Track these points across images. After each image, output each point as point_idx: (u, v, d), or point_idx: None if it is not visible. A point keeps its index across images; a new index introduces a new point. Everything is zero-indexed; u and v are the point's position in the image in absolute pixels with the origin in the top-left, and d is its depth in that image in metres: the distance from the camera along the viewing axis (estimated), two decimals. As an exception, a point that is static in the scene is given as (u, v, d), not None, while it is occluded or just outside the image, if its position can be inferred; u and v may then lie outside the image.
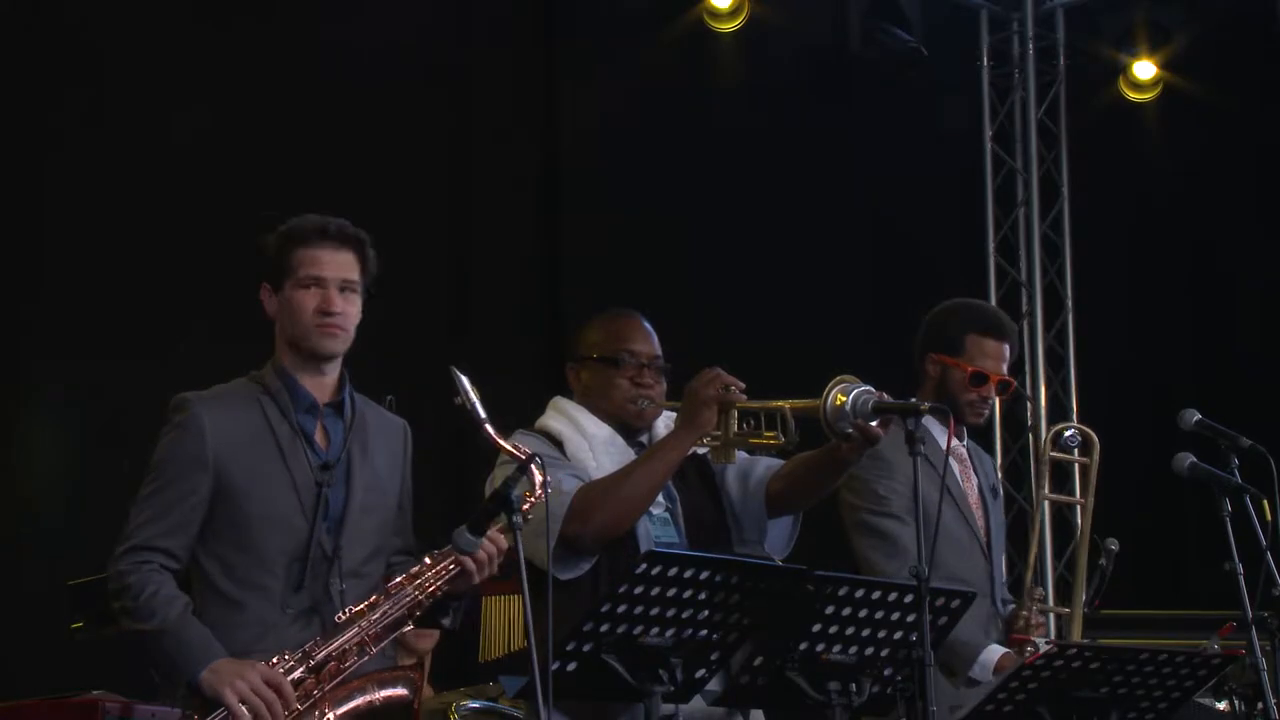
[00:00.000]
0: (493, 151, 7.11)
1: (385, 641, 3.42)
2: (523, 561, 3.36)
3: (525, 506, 3.42)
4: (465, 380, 3.47)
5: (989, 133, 8.57)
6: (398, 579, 3.43)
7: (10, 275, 6.00)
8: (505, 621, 5.60)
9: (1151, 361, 8.04)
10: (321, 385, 3.53)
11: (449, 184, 7.08)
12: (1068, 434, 4.64)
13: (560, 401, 4.04)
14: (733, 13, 7.80)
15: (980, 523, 4.51)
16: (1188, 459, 4.35)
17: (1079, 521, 4.31)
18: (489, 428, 3.47)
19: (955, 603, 3.71)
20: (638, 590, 3.37)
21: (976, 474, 4.57)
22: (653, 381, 3.98)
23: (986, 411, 4.56)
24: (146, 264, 6.05)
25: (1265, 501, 4.25)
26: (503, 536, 3.43)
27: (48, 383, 5.98)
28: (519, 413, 4.01)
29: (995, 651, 4.23)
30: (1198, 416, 4.42)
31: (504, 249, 7.15)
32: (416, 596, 3.41)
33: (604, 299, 4.17)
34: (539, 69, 7.27)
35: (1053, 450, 4.57)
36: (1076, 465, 4.45)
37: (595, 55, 7.42)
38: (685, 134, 7.52)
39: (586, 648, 3.42)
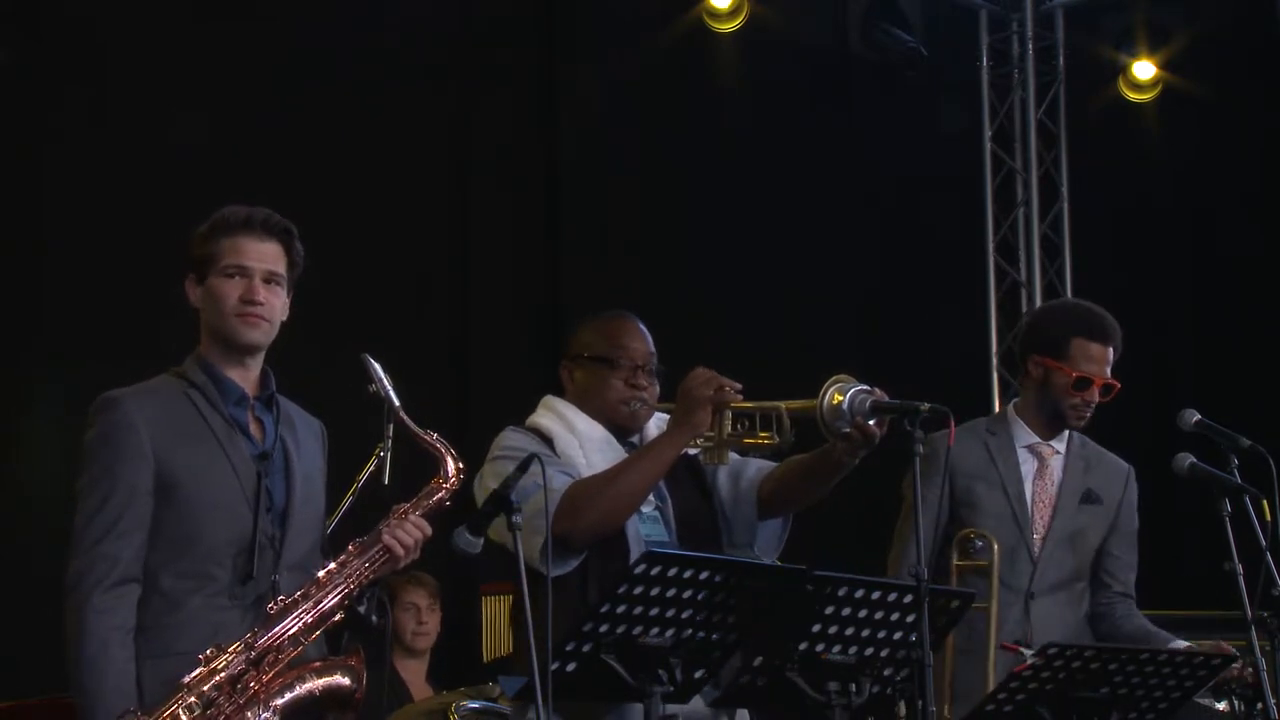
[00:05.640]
0: (492, 153, 7.15)
1: (318, 632, 3.38)
2: (522, 563, 3.37)
3: (440, 495, 3.44)
4: (378, 367, 3.46)
5: (988, 133, 8.57)
6: (328, 567, 3.40)
7: (10, 276, 6.00)
8: (507, 621, 5.61)
9: (1151, 362, 8.01)
10: (246, 378, 3.48)
11: (448, 185, 7.10)
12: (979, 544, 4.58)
13: (552, 400, 4.02)
14: (732, 13, 7.78)
15: (1041, 525, 4.54)
16: (1188, 459, 4.35)
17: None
18: (404, 415, 3.45)
19: (955, 604, 3.72)
20: (636, 590, 3.36)
21: (1065, 475, 4.59)
22: (646, 383, 3.96)
23: (1089, 415, 4.57)
24: (148, 264, 5.91)
25: (1265, 502, 4.27)
26: (426, 523, 3.43)
27: (49, 383, 6.00)
28: (518, 413, 4.01)
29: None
30: (1197, 417, 4.42)
31: (502, 252, 7.21)
32: (348, 584, 3.38)
33: (602, 300, 4.17)
34: (539, 70, 7.30)
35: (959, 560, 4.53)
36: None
37: (595, 55, 7.45)
38: (685, 134, 7.54)
39: (586, 648, 3.40)
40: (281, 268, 3.49)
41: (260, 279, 3.46)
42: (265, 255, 3.48)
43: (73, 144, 6.08)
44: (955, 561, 4.43)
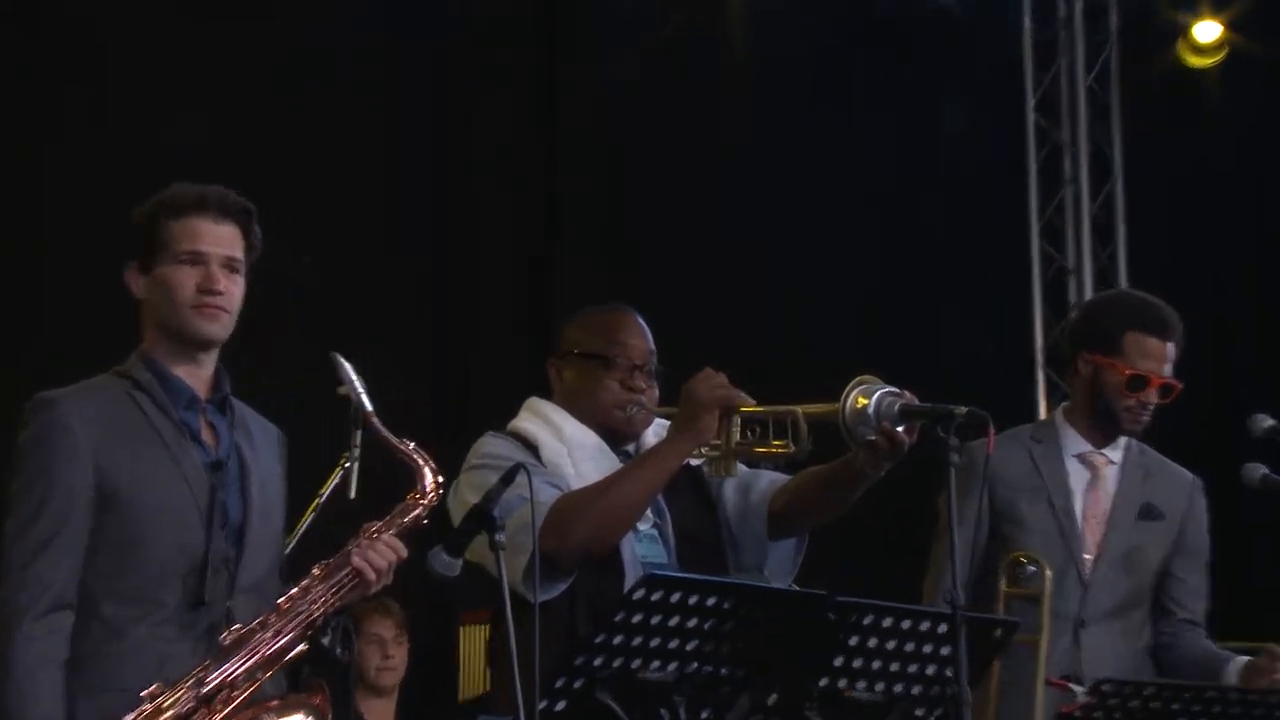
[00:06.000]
0: (492, 153, 7.43)
1: (277, 667, 3.37)
2: (505, 586, 3.37)
3: (416, 512, 3.44)
4: (349, 367, 3.47)
5: (1031, 103, 8.55)
6: (289, 593, 3.39)
7: (10, 276, 6.21)
8: (485, 654, 5.62)
9: (1214, 358, 8.00)
10: (198, 378, 3.47)
11: (449, 182, 7.36)
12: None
13: (537, 402, 4.04)
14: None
15: (1093, 543, 4.56)
16: (1259, 470, 4.39)
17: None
18: (375, 421, 3.46)
19: (997, 633, 3.71)
20: (635, 619, 3.33)
21: (1121, 487, 4.61)
22: (645, 384, 3.98)
23: (1146, 419, 4.56)
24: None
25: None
26: (400, 544, 3.43)
27: (49, 383, 6.01)
28: (510, 420, 4.05)
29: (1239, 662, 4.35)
30: (1269, 421, 4.46)
31: (499, 248, 7.43)
32: (311, 613, 3.37)
33: (599, 299, 4.22)
34: (539, 65, 7.59)
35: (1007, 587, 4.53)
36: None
37: (595, 55, 7.69)
38: (686, 132, 7.74)
39: (578, 684, 3.37)
40: (240, 252, 3.48)
41: (218, 266, 3.44)
42: (223, 239, 3.46)
43: (73, 144, 6.38)
44: (1003, 588, 4.42)
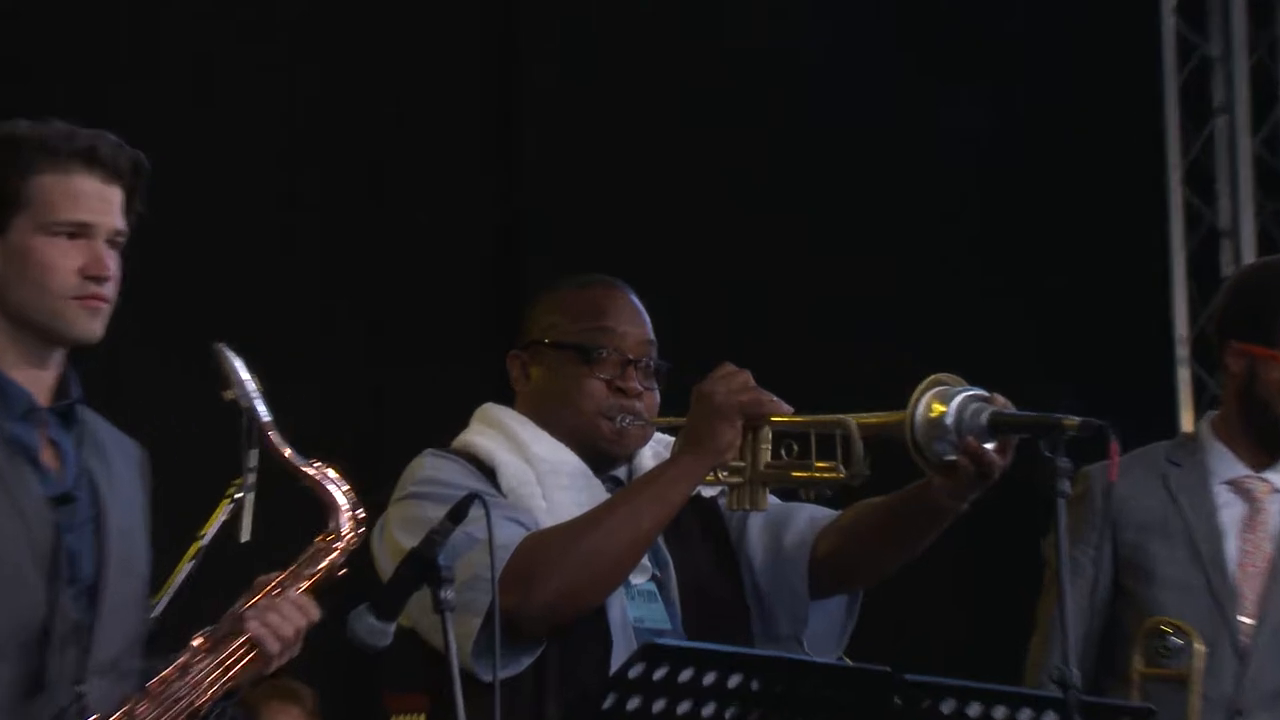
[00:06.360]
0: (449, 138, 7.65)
1: None
2: (454, 660, 3.39)
3: (330, 560, 3.47)
4: (239, 364, 3.50)
5: (1171, 2, 8.53)
6: (162, 672, 3.40)
7: None
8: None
9: None
10: (39, 381, 3.50)
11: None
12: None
13: (494, 410, 4.06)
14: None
15: (1251, 602, 4.59)
16: None
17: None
18: (274, 437, 3.49)
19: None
20: (630, 705, 3.34)
21: None
22: (641, 386, 3.99)
23: None
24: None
25: None
26: (311, 602, 3.45)
27: None
28: (456, 428, 4.10)
29: None
30: None
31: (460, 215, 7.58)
32: (192, 699, 3.38)
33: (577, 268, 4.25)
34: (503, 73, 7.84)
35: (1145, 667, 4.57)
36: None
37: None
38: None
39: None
40: (124, 223, 3.53)
41: (105, 243, 3.49)
42: (112, 206, 3.51)
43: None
44: (1137, 667, 4.45)
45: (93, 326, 3.48)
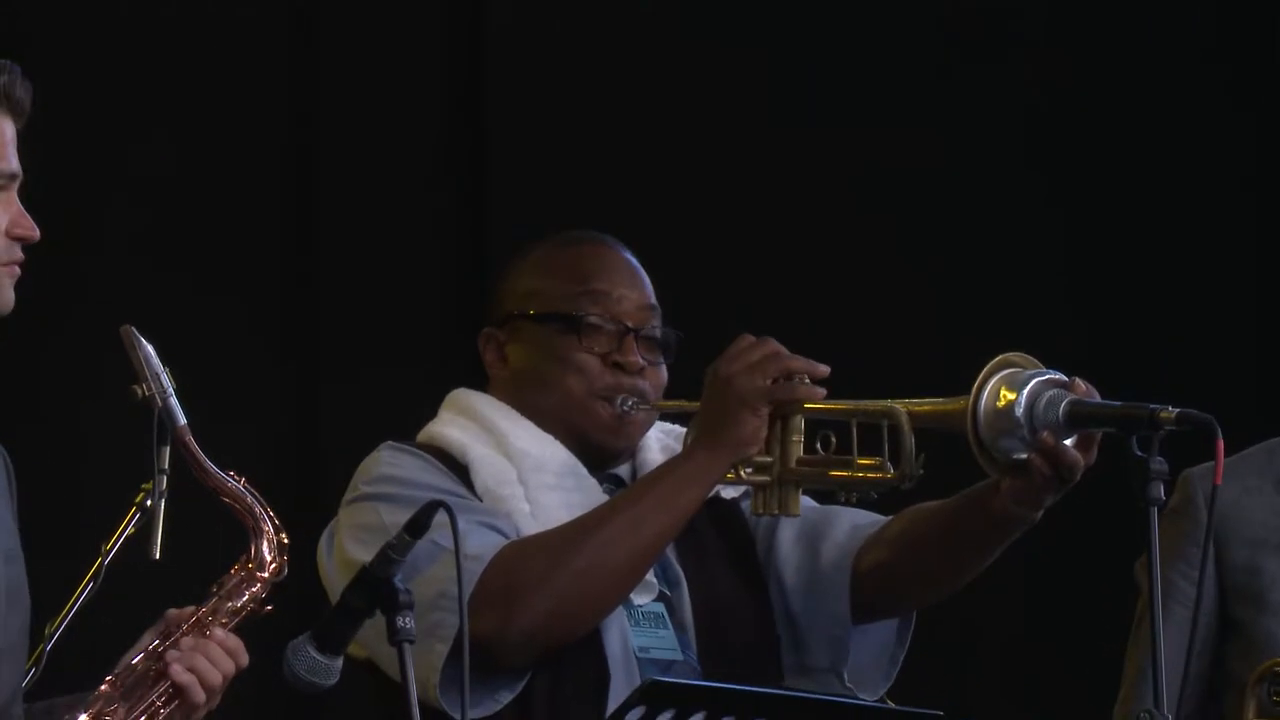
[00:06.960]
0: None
1: None
2: (414, 699, 3.20)
3: (252, 592, 3.32)
4: (150, 350, 3.31)
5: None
6: None
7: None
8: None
9: None
10: None
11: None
12: None
13: (466, 397, 3.94)
14: None
15: None
16: None
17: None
18: (192, 441, 3.31)
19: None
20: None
21: None
22: (643, 360, 3.82)
23: None
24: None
25: None
26: (241, 646, 3.29)
27: None
28: (419, 421, 4.00)
29: None
30: None
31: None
32: None
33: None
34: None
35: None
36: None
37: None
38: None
39: None
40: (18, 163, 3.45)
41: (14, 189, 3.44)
42: (9, 145, 3.42)
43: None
44: (1250, 717, 4.23)
45: (9, 297, 3.40)
